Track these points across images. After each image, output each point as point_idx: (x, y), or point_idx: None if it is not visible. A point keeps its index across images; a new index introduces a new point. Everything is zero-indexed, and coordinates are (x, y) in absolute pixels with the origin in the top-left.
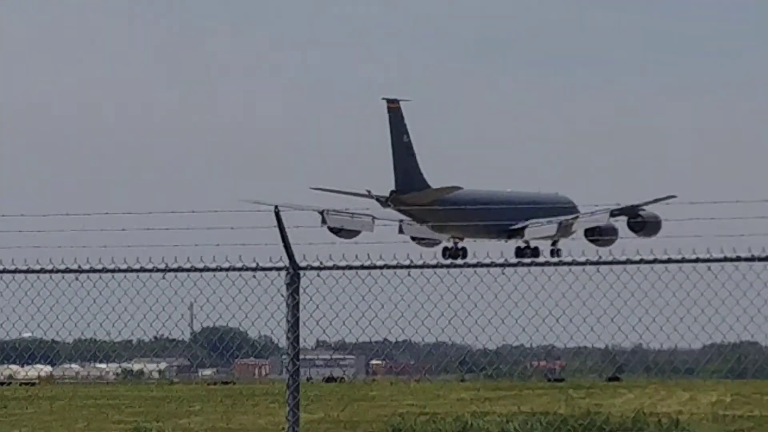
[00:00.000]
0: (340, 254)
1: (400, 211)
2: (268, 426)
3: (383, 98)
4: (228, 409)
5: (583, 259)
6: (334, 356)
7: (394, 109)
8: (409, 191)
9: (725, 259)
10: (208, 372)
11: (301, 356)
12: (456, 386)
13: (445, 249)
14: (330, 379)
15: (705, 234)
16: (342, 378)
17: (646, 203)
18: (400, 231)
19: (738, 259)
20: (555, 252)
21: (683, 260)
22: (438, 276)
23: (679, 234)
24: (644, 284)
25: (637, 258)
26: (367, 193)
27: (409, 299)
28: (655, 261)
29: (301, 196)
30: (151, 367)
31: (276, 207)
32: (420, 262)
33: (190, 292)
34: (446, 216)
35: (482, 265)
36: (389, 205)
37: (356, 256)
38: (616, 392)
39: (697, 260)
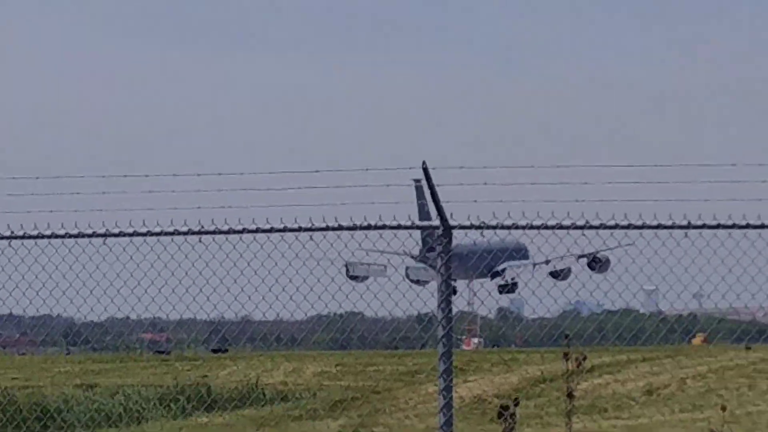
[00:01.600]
0: None
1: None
2: None
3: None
4: None
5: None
6: None
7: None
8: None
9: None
10: None
11: None
12: (61, 359)
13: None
14: None
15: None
16: None
17: (609, 249)
18: (407, 276)
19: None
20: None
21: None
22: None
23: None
24: (246, 254)
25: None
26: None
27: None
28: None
29: None
30: None
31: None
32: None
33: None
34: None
35: (83, 236)
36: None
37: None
38: (222, 364)
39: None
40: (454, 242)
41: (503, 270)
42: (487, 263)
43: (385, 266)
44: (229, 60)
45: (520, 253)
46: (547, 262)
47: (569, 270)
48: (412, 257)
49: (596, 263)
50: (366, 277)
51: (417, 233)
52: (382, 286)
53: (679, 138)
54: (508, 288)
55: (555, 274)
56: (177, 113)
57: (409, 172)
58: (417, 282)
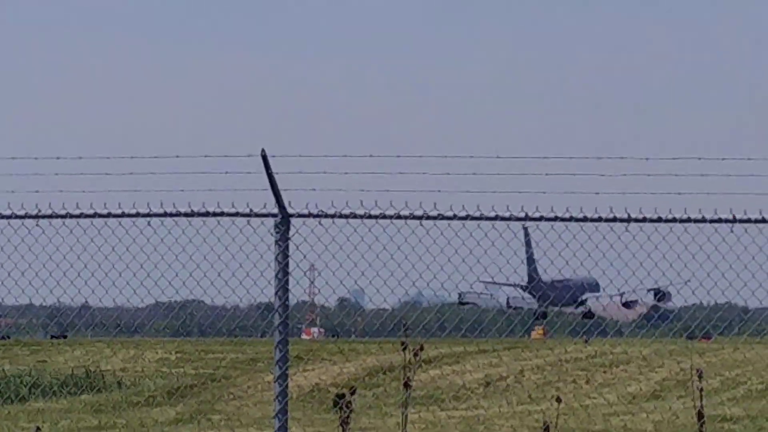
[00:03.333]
0: None
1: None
2: None
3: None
4: None
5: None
6: None
7: None
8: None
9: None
10: None
11: None
12: None
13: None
14: None
15: None
16: None
17: (671, 284)
18: (507, 303)
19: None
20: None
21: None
22: None
23: None
24: (83, 239)
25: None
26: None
27: None
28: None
29: None
30: None
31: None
32: None
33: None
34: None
35: None
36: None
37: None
38: (61, 350)
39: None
40: (549, 277)
41: (585, 300)
42: (573, 294)
43: (492, 294)
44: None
45: (593, 285)
46: (621, 294)
47: (637, 301)
48: (521, 288)
49: (662, 295)
50: (475, 303)
51: None
52: (219, 273)
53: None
54: (588, 315)
55: (626, 305)
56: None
57: (248, 160)
58: (515, 309)
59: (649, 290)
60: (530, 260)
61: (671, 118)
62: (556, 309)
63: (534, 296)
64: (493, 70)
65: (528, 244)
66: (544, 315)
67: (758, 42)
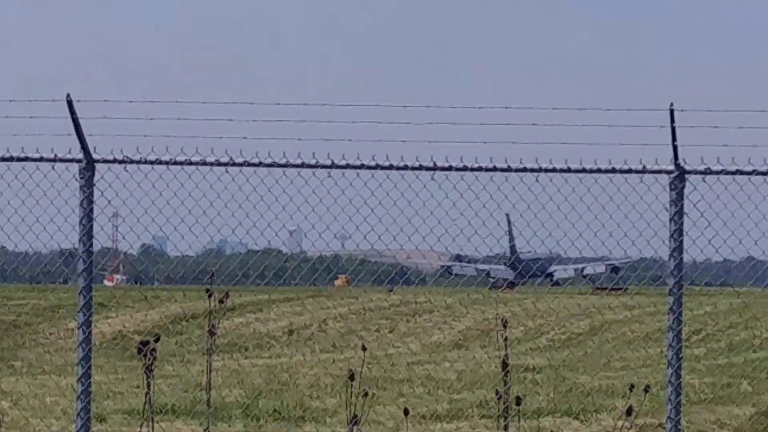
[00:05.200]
0: None
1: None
2: None
3: None
4: None
5: None
6: None
7: None
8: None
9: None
10: None
11: None
12: None
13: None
14: None
15: None
16: None
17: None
18: (488, 274)
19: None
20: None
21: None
22: None
23: None
24: None
25: None
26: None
27: None
28: None
29: None
30: None
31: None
32: None
33: None
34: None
35: None
36: None
37: None
38: None
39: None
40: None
41: (553, 272)
42: (541, 266)
43: (476, 267)
44: None
45: (558, 259)
46: (583, 268)
47: (600, 274)
48: (504, 264)
49: (616, 270)
50: (464, 274)
51: None
52: (22, 218)
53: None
54: (555, 283)
55: (590, 278)
56: None
57: (53, 104)
58: (496, 281)
59: (608, 265)
60: (511, 239)
61: None
62: (528, 280)
63: (514, 270)
64: None
65: (510, 226)
66: (513, 285)
67: None
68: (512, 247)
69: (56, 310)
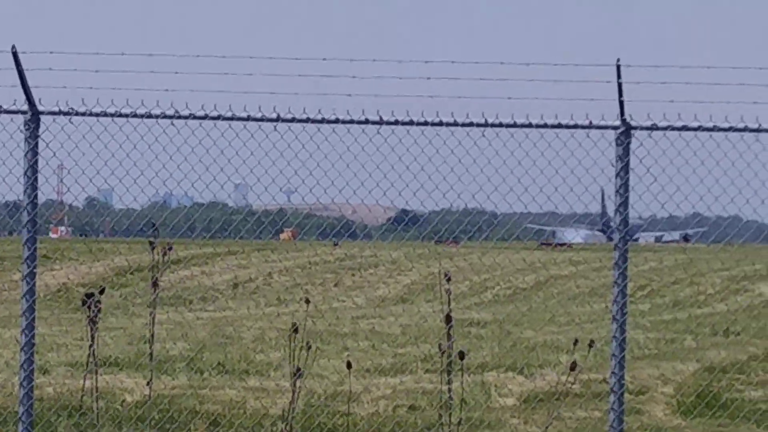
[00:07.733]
0: None
1: None
2: None
3: None
4: None
5: None
6: None
7: None
8: None
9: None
10: None
11: None
12: None
13: None
14: None
15: None
16: None
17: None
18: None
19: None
20: None
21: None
22: None
23: None
24: None
25: None
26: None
27: None
28: None
29: None
30: None
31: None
32: None
33: None
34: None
35: None
36: None
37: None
38: None
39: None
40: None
41: (638, 238)
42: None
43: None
44: None
45: (643, 226)
46: (662, 236)
47: (675, 241)
48: (592, 227)
49: (605, 229)
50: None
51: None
52: None
53: None
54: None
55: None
56: None
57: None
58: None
59: (599, 230)
60: (603, 209)
61: None
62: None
63: (605, 233)
64: None
65: (603, 200)
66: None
67: None
68: (603, 214)
69: (0, 261)
